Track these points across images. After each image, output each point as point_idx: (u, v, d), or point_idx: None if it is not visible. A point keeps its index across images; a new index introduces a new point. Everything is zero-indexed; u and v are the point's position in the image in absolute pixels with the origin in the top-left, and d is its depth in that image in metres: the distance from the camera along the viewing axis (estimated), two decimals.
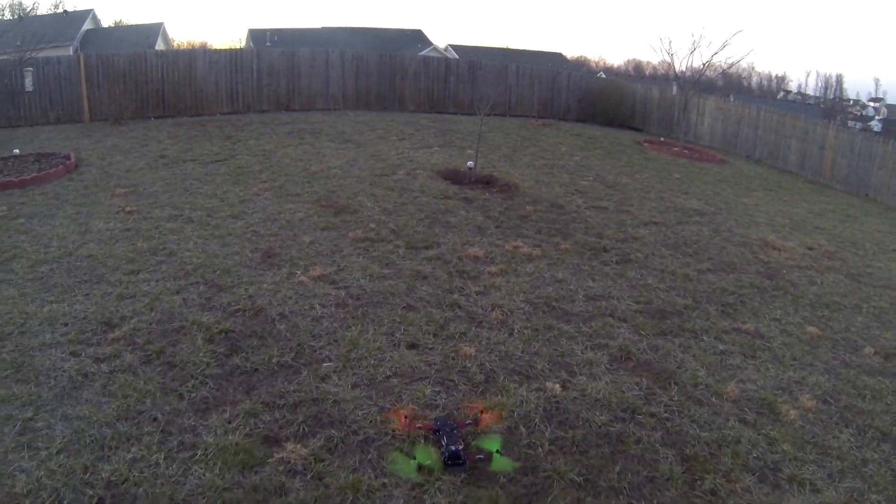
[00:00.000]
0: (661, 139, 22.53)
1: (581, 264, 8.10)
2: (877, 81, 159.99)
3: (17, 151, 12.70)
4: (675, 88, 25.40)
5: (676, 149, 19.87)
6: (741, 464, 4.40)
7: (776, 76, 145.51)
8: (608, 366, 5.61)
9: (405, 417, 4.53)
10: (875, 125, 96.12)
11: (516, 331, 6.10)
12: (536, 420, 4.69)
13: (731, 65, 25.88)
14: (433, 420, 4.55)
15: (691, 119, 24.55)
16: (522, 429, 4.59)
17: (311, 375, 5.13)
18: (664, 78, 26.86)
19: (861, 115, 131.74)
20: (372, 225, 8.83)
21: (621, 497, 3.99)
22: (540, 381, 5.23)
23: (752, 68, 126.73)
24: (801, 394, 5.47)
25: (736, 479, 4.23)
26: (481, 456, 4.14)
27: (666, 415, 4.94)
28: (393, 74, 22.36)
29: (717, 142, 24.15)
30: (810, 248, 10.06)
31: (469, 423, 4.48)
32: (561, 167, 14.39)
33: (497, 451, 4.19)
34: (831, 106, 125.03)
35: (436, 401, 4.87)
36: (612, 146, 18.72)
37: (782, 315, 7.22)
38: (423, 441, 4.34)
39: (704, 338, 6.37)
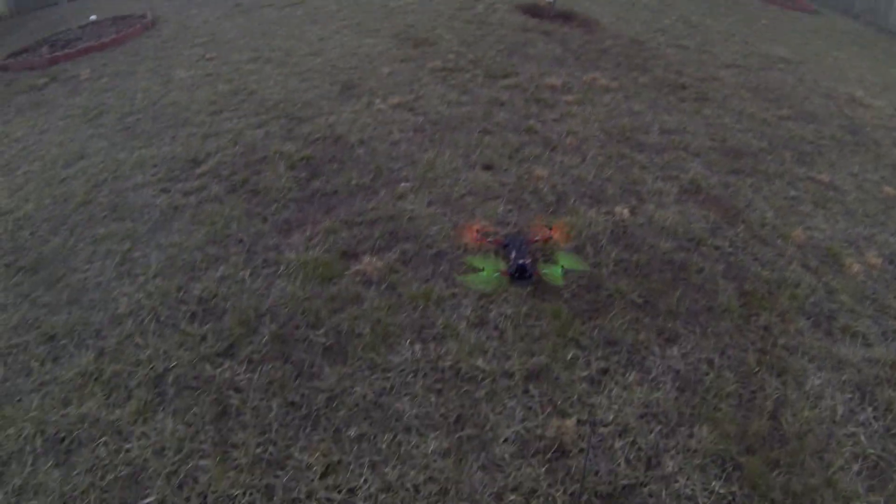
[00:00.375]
0: None
1: (658, 98, 7.88)
2: None
3: (94, 17, 12.73)
4: None
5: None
6: (797, 307, 4.42)
7: None
8: (677, 196, 5.57)
9: (477, 232, 4.63)
10: None
11: (589, 157, 6.05)
12: (603, 241, 4.74)
13: None
14: (504, 235, 4.64)
15: None
16: (589, 248, 4.65)
17: (388, 195, 5.22)
18: None
19: None
20: (450, 56, 8.67)
21: (678, 321, 4.07)
22: (609, 206, 5.23)
23: None
24: (868, 250, 5.38)
25: (790, 320, 4.27)
26: (547, 271, 4.24)
27: (730, 249, 4.94)
28: None
29: None
30: None
31: (538, 240, 4.56)
32: (644, 5, 13.68)
33: (562, 266, 4.29)
34: None
35: (507, 218, 4.93)
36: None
37: (860, 171, 7.00)
38: (493, 255, 4.45)
39: (777, 181, 6.23)
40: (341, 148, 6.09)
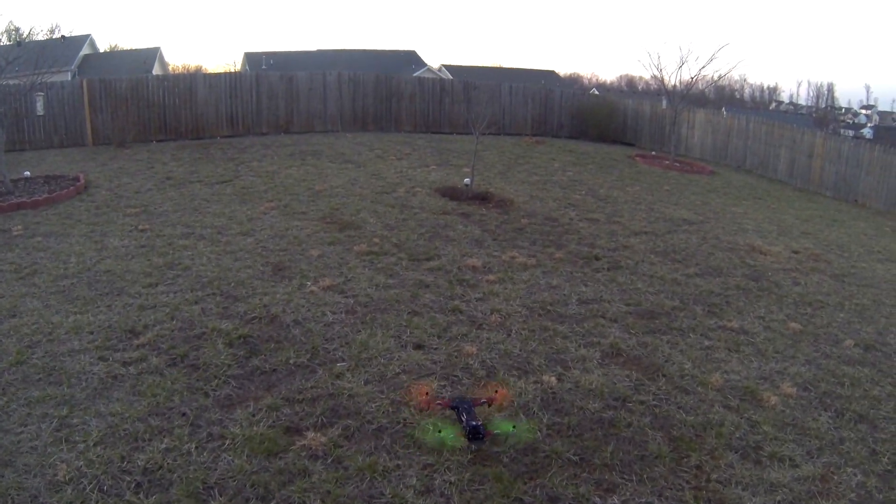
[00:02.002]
0: (653, 153, 23.06)
1: (574, 272, 8.56)
2: (868, 89, 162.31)
3: (27, 174, 13.05)
4: (664, 103, 25.98)
5: (667, 162, 20.40)
6: (724, 443, 4.83)
7: (768, 87, 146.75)
8: (600, 361, 6.05)
9: (426, 394, 5.01)
10: (867, 132, 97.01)
11: (514, 332, 6.55)
12: (535, 408, 5.13)
13: (720, 77, 26.43)
14: (451, 398, 5.02)
15: (682, 132, 25.11)
16: (522, 416, 5.01)
17: (326, 374, 5.55)
18: (656, 93, 27.50)
19: (853, 122, 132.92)
20: (375, 239, 9.28)
21: (614, 472, 4.41)
22: (537, 375, 5.67)
23: (744, 80, 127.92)
24: (782, 382, 5.91)
25: (720, 457, 4.65)
26: (499, 431, 4.61)
27: (654, 402, 5.37)
28: (389, 96, 22.97)
29: (708, 154, 24.70)
30: (796, 252, 10.55)
31: (483, 402, 4.94)
32: (554, 182, 14.92)
33: (513, 426, 4.68)
34: (823, 115, 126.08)
35: (442, 394, 5.30)
36: (603, 161, 19.29)
37: (766, 313, 7.68)
38: (443, 417, 4.83)
39: (691, 335, 6.82)
40: (277, 328, 6.42)
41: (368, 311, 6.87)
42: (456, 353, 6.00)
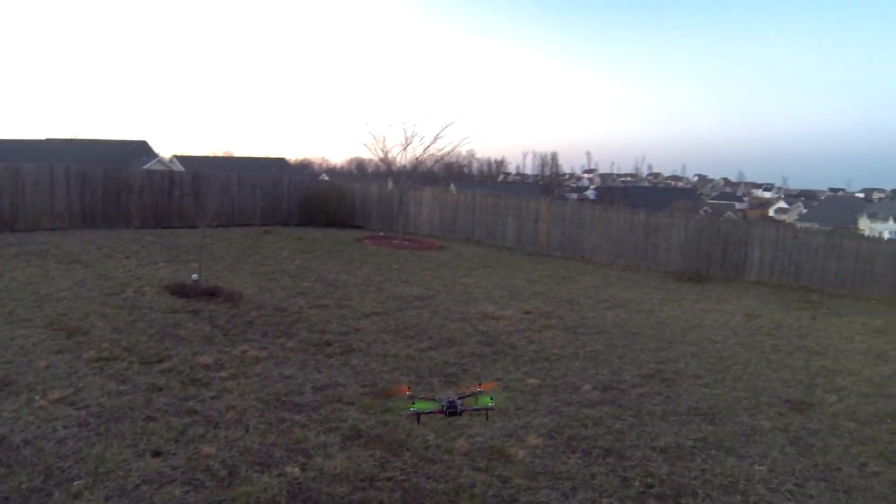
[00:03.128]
0: (381, 234, 24.26)
1: (307, 359, 8.89)
2: (588, 154, 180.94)
3: None
4: (390, 184, 27.50)
5: (396, 241, 21.57)
6: (479, 503, 5.32)
7: (496, 160, 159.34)
8: (342, 445, 6.35)
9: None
10: (590, 194, 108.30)
11: (252, 427, 6.70)
12: (282, 501, 5.32)
13: (445, 155, 28.44)
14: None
15: (410, 211, 26.68)
16: None
17: (63, 495, 5.35)
18: (385, 174, 29.09)
19: (577, 186, 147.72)
20: (105, 344, 9.05)
21: None
22: (280, 468, 5.85)
23: (473, 156, 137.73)
24: (527, 435, 6.58)
25: None
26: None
27: (402, 477, 5.75)
28: (119, 190, 22.98)
29: (437, 229, 26.38)
30: (528, 313, 11.68)
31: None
32: (283, 272, 15.37)
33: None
34: (549, 182, 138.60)
35: (186, 499, 5.34)
36: (333, 246, 20.05)
37: (504, 374, 8.47)
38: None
39: None
40: (6, 450, 6.07)
41: (102, 421, 6.71)
42: (195, 456, 6.04)
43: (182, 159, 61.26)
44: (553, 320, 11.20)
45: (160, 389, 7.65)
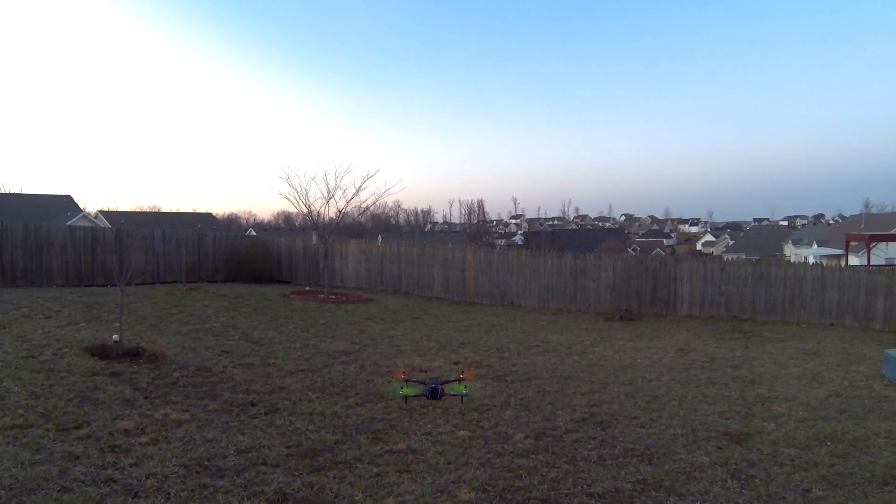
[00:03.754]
0: (308, 288, 23.90)
1: (230, 421, 8.53)
2: (515, 201, 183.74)
3: None
4: (314, 238, 27.26)
5: (322, 295, 21.26)
6: None
7: (422, 210, 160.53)
8: None
9: (403, 373, 5.81)
10: (518, 239, 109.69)
11: (173, 495, 6.34)
12: None
13: (369, 207, 28.28)
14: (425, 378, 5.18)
15: (336, 264, 26.47)
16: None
17: None
18: (311, 227, 28.90)
19: (505, 232, 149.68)
20: (20, 411, 8.57)
21: None
22: None
23: (399, 206, 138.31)
24: (459, 490, 6.33)
25: None
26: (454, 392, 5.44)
27: None
28: (40, 247, 22.36)
29: (364, 282, 26.17)
30: (456, 363, 11.47)
31: (451, 381, 5.52)
32: (208, 330, 14.91)
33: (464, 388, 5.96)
34: (476, 229, 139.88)
35: None
36: (258, 303, 19.59)
37: (433, 428, 8.21)
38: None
39: (358, 465, 7.07)
40: None
41: (14, 493, 6.29)
42: None
43: (108, 214, 61.23)
44: (482, 369, 11.02)
45: (77, 458, 7.25)
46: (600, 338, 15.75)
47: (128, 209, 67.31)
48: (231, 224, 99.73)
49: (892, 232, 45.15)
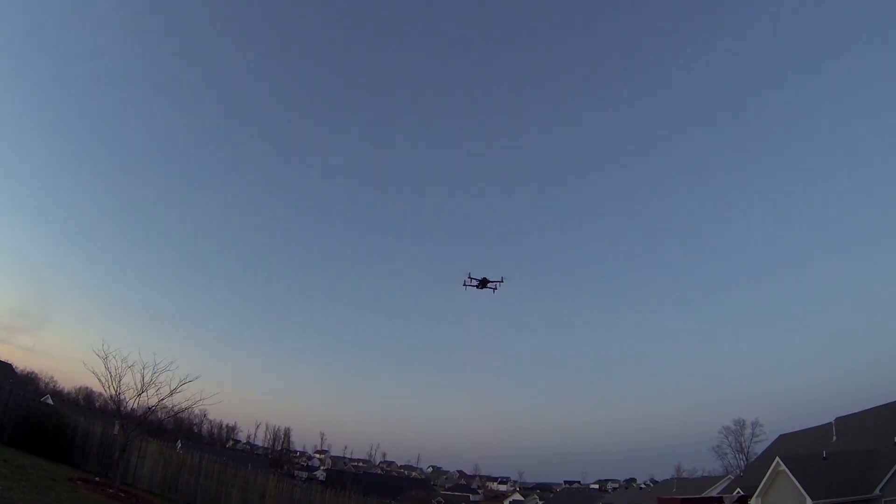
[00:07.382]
0: (97, 479, 22.55)
1: None
2: (322, 436, 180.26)
3: None
4: (116, 427, 25.95)
5: (112, 490, 20.12)
6: None
7: (227, 425, 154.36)
8: None
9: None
10: (320, 475, 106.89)
11: None
12: None
13: (180, 411, 27.29)
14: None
15: (132, 461, 25.21)
16: None
17: None
18: (113, 413, 27.38)
19: (308, 465, 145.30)
20: None
21: None
22: None
23: (205, 415, 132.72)
24: None
25: None
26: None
27: None
28: None
29: (157, 486, 24.91)
30: None
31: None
32: None
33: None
34: (279, 456, 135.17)
35: None
36: (41, 481, 18.19)
37: None
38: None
39: None
40: None
41: None
42: None
43: None
44: None
45: None
46: None
47: None
48: (29, 382, 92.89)
49: (702, 495, 46.08)
